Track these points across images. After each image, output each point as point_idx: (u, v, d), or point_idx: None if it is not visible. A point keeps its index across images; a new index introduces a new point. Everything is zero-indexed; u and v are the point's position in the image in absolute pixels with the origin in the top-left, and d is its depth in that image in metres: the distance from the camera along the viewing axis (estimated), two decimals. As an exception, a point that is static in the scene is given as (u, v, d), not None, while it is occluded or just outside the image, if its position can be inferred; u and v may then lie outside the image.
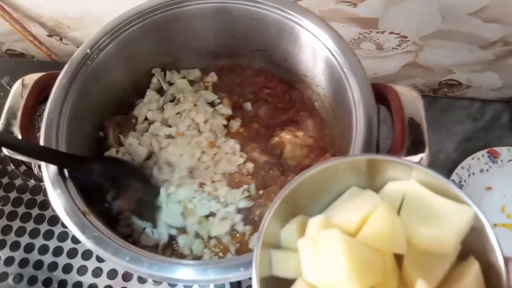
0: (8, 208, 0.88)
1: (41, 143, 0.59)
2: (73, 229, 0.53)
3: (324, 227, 0.39)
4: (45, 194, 0.88)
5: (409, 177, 0.42)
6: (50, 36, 1.04)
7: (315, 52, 0.68)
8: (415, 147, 0.57)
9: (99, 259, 0.81)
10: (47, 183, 0.57)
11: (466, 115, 0.99)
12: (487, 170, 0.92)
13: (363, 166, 0.43)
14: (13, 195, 0.90)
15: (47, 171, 0.58)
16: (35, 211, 0.87)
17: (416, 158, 0.56)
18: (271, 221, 0.41)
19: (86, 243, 0.53)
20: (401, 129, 0.57)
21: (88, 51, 0.65)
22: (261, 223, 0.40)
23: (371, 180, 0.44)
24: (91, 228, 0.53)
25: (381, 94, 0.61)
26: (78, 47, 1.07)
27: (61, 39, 1.05)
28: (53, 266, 0.82)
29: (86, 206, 0.56)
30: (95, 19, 0.95)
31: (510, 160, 0.92)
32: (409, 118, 0.58)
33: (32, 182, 0.90)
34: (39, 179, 0.89)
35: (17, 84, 0.63)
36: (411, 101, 0.60)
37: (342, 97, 0.64)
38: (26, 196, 0.89)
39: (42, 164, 0.58)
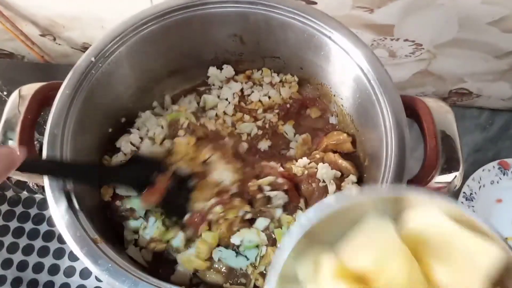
0: (-2, 222, 0.82)
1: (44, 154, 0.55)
2: (84, 260, 0.49)
3: (338, 275, 0.37)
4: (39, 207, 0.83)
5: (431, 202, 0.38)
6: (43, 35, 0.98)
7: (339, 61, 0.64)
8: (449, 165, 0.54)
9: (99, 279, 0.76)
10: (52, 207, 0.52)
11: (475, 125, 0.97)
12: (497, 182, 0.90)
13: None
14: (4, 208, 0.83)
15: (51, 192, 0.53)
16: (28, 226, 0.81)
17: (450, 176, 0.54)
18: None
19: (100, 275, 0.48)
20: (434, 145, 0.55)
21: (93, 59, 0.60)
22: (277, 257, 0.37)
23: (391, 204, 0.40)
24: (104, 259, 0.49)
25: (409, 108, 0.58)
26: (72, 47, 1.03)
27: (54, 39, 0.99)
28: (49, 286, 0.77)
29: (96, 232, 0.51)
30: (95, 19, 0.90)
31: (520, 172, 0.91)
32: (441, 132, 0.55)
33: (25, 193, 0.84)
34: (33, 191, 0.83)
35: (14, 96, 0.58)
36: (441, 114, 0.58)
37: (367, 108, 0.61)
38: (19, 209, 0.83)
39: (46, 184, 0.53)
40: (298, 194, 0.65)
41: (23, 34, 0.94)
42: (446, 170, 0.54)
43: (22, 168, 0.46)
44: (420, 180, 0.54)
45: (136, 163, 0.64)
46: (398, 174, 0.52)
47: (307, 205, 0.65)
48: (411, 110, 0.58)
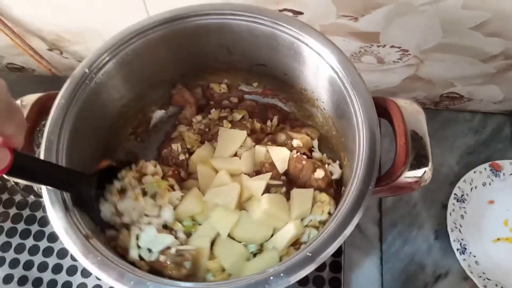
0: (7, 225, 0.87)
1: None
2: (76, 254, 0.53)
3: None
4: (44, 210, 0.87)
5: None
6: (50, 50, 1.04)
7: (316, 66, 0.67)
8: (419, 161, 0.57)
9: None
10: (47, 205, 0.56)
11: (467, 128, 0.99)
12: (489, 184, 0.91)
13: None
14: (12, 211, 0.89)
15: (47, 191, 0.57)
16: (34, 228, 0.87)
17: (419, 172, 0.56)
18: None
19: (90, 268, 0.52)
20: (404, 142, 0.57)
21: (87, 70, 0.65)
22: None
23: None
24: (94, 253, 0.52)
25: (382, 108, 0.61)
26: (78, 61, 1.08)
27: (61, 53, 1.05)
28: (52, 284, 0.82)
29: (88, 229, 0.55)
30: (96, 33, 0.95)
31: (512, 174, 0.91)
32: (411, 131, 0.58)
33: (32, 198, 0.90)
34: (39, 195, 0.87)
35: (16, 105, 0.63)
36: (412, 114, 0.60)
37: (344, 110, 0.64)
38: (26, 212, 0.88)
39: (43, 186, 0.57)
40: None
41: (31, 49, 1.01)
42: (415, 166, 0.56)
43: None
44: (391, 175, 0.57)
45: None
46: (368, 169, 0.55)
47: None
48: (384, 110, 0.61)
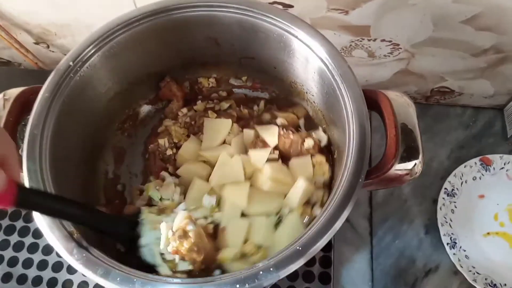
0: (-7, 221, 0.86)
1: (24, 158, 0.57)
2: (60, 251, 0.51)
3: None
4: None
5: None
6: (37, 43, 1.02)
7: (305, 59, 0.67)
8: (409, 154, 0.57)
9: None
10: None
11: (458, 122, 0.99)
12: (480, 178, 0.91)
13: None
14: (-4, 208, 0.87)
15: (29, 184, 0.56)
16: (19, 224, 0.85)
17: (410, 164, 0.56)
18: None
19: (75, 264, 0.51)
20: (394, 135, 0.57)
21: (71, 63, 0.64)
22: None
23: None
24: (79, 250, 0.51)
25: (372, 101, 0.61)
26: (65, 54, 1.06)
27: (48, 47, 1.03)
28: (37, 281, 0.80)
29: (73, 226, 0.54)
30: (83, 26, 0.93)
31: (502, 168, 0.91)
32: (401, 124, 0.58)
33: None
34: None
35: (-1, 99, 0.62)
36: (403, 107, 0.60)
37: (334, 103, 0.63)
38: (10, 208, 0.86)
39: (25, 179, 0.56)
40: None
41: (17, 42, 0.99)
42: (405, 158, 0.56)
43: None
44: (381, 167, 0.57)
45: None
46: (358, 162, 0.54)
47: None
48: (374, 102, 0.61)
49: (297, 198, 0.67)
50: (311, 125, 0.78)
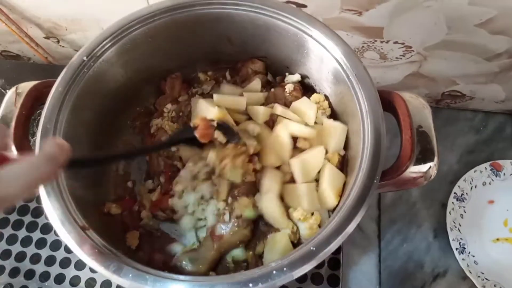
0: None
1: (36, 152, 0.57)
2: (72, 246, 0.51)
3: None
4: (38, 200, 0.86)
5: None
6: (47, 38, 1.02)
7: (320, 58, 0.66)
8: (424, 156, 0.56)
9: (93, 269, 0.79)
10: (43, 195, 0.55)
11: (469, 127, 0.98)
12: (490, 183, 0.91)
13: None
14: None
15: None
16: (27, 218, 0.85)
17: (425, 167, 0.56)
18: None
19: (87, 260, 0.51)
20: (409, 136, 0.57)
21: (85, 58, 0.63)
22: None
23: None
24: (91, 244, 0.51)
25: (387, 102, 0.61)
26: (75, 50, 1.07)
27: (58, 42, 1.03)
28: (45, 276, 0.80)
29: (84, 219, 0.54)
30: (94, 21, 0.93)
31: (512, 174, 0.91)
32: (417, 125, 0.58)
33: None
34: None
35: (11, 92, 0.62)
36: (418, 108, 0.60)
37: (347, 104, 0.63)
38: (18, 202, 0.86)
39: None
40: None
41: (28, 36, 0.98)
42: (421, 160, 0.56)
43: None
44: (395, 169, 0.56)
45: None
46: (373, 164, 0.54)
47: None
48: (389, 104, 0.60)
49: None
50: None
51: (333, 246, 0.49)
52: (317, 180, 0.67)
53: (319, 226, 0.64)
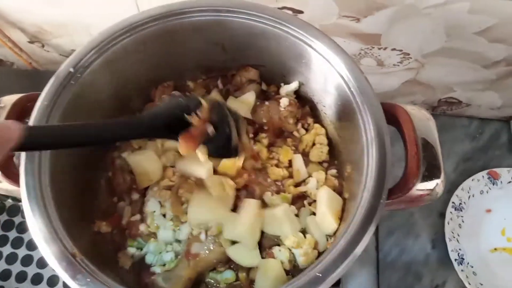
0: (-18, 231, 0.81)
1: (21, 171, 0.53)
2: (62, 275, 0.48)
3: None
4: (23, 215, 0.82)
5: None
6: (31, 42, 0.97)
7: (319, 68, 0.64)
8: (431, 172, 0.54)
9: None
10: (30, 222, 0.51)
11: (465, 134, 0.97)
12: (487, 192, 0.90)
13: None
14: (-12, 217, 0.83)
15: (28, 201, 0.52)
16: (12, 234, 0.81)
17: (431, 184, 0.54)
18: None
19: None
20: (415, 152, 0.55)
21: (72, 69, 0.60)
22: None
23: None
24: (83, 274, 0.48)
25: (390, 115, 0.58)
26: (61, 54, 1.02)
27: (43, 46, 0.98)
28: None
29: (75, 246, 0.50)
30: (82, 26, 0.89)
31: (510, 182, 0.90)
32: (422, 139, 0.55)
33: (9, 201, 0.83)
34: (18, 199, 0.82)
35: (-6, 106, 0.58)
36: (422, 121, 0.58)
37: (349, 116, 0.60)
38: (3, 218, 0.82)
39: (23, 195, 0.52)
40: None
41: (11, 41, 0.94)
42: (427, 177, 0.53)
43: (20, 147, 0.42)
44: (402, 187, 0.54)
45: (163, 110, 0.55)
46: (379, 181, 0.52)
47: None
48: (392, 117, 0.58)
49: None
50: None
51: (341, 271, 0.46)
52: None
53: (316, 249, 0.61)
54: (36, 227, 0.51)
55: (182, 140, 0.52)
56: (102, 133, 0.50)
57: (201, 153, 0.54)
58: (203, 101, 0.54)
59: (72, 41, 0.96)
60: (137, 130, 0.53)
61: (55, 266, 0.49)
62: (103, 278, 0.48)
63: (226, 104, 0.63)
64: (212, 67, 0.77)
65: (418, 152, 0.54)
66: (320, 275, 0.46)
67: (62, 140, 0.47)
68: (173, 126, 0.52)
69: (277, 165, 0.67)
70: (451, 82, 0.91)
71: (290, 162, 0.69)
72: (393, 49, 0.83)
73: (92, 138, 0.49)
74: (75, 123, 0.52)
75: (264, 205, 0.64)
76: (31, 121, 0.56)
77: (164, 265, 0.64)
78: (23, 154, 0.54)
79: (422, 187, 0.53)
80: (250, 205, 0.62)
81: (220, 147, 0.55)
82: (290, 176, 0.67)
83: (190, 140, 0.52)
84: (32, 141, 0.44)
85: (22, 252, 0.80)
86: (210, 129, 0.53)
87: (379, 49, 0.84)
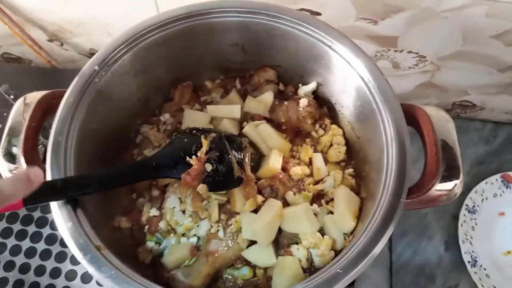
0: (2, 225, 0.83)
1: (47, 166, 0.55)
2: (88, 267, 0.49)
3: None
4: (42, 210, 0.83)
5: None
6: (50, 41, 0.99)
7: (338, 69, 0.65)
8: (450, 173, 0.55)
9: (99, 283, 0.77)
10: (56, 215, 0.52)
11: (478, 137, 0.97)
12: (500, 195, 0.90)
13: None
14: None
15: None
16: (31, 229, 0.82)
17: (450, 184, 0.54)
18: None
19: (104, 282, 0.49)
20: (435, 153, 0.55)
21: (97, 67, 0.61)
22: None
23: None
24: (108, 266, 0.49)
25: (410, 116, 0.59)
26: (79, 53, 1.04)
27: (62, 45, 1.00)
28: (50, 288, 0.78)
29: (99, 239, 0.52)
30: (100, 25, 0.91)
31: (523, 185, 0.90)
32: (441, 140, 0.56)
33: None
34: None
35: (19, 103, 0.59)
36: (441, 122, 0.59)
37: (368, 117, 0.61)
38: (22, 212, 0.83)
39: None
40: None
41: (31, 39, 0.96)
42: (446, 178, 0.54)
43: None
44: (421, 187, 0.55)
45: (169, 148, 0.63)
46: (399, 181, 0.53)
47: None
48: (411, 118, 0.59)
49: None
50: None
51: (360, 269, 0.47)
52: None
53: (332, 249, 0.62)
54: (62, 220, 0.52)
55: (183, 180, 0.59)
56: (113, 180, 0.58)
57: (202, 191, 0.60)
58: (203, 141, 0.61)
59: (90, 40, 0.97)
60: (145, 175, 0.61)
61: (81, 258, 0.50)
62: (127, 271, 0.50)
63: (229, 135, 0.67)
64: (231, 68, 0.78)
65: (438, 153, 0.55)
66: (340, 271, 0.47)
67: (78, 189, 0.54)
68: (176, 168, 0.60)
69: (298, 164, 0.68)
70: (466, 85, 0.92)
71: (310, 160, 0.69)
72: (409, 52, 0.84)
73: (105, 185, 0.57)
74: (88, 173, 0.58)
75: (285, 204, 0.65)
76: (57, 118, 0.57)
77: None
78: (49, 148, 0.55)
79: (441, 187, 0.54)
80: (272, 206, 0.63)
81: (221, 181, 0.61)
82: (310, 174, 0.68)
83: (190, 180, 0.59)
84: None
85: (41, 246, 0.81)
86: (209, 168, 0.60)
87: (395, 51, 0.84)
